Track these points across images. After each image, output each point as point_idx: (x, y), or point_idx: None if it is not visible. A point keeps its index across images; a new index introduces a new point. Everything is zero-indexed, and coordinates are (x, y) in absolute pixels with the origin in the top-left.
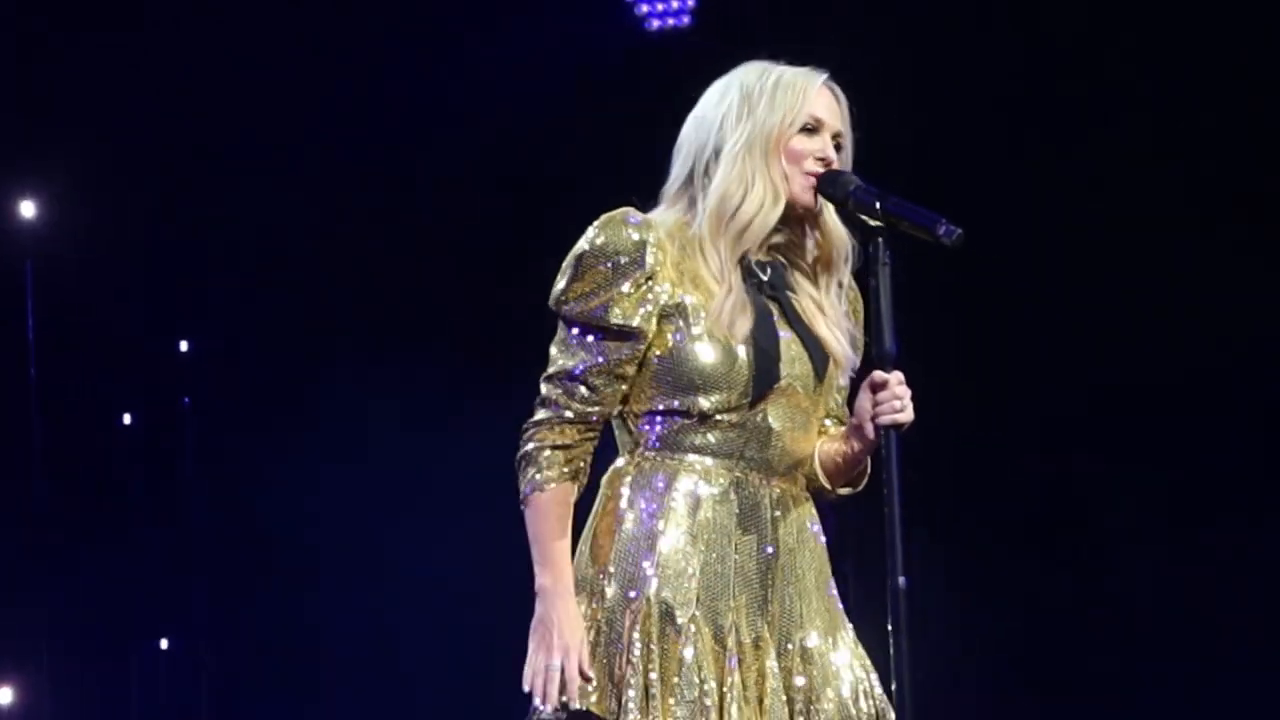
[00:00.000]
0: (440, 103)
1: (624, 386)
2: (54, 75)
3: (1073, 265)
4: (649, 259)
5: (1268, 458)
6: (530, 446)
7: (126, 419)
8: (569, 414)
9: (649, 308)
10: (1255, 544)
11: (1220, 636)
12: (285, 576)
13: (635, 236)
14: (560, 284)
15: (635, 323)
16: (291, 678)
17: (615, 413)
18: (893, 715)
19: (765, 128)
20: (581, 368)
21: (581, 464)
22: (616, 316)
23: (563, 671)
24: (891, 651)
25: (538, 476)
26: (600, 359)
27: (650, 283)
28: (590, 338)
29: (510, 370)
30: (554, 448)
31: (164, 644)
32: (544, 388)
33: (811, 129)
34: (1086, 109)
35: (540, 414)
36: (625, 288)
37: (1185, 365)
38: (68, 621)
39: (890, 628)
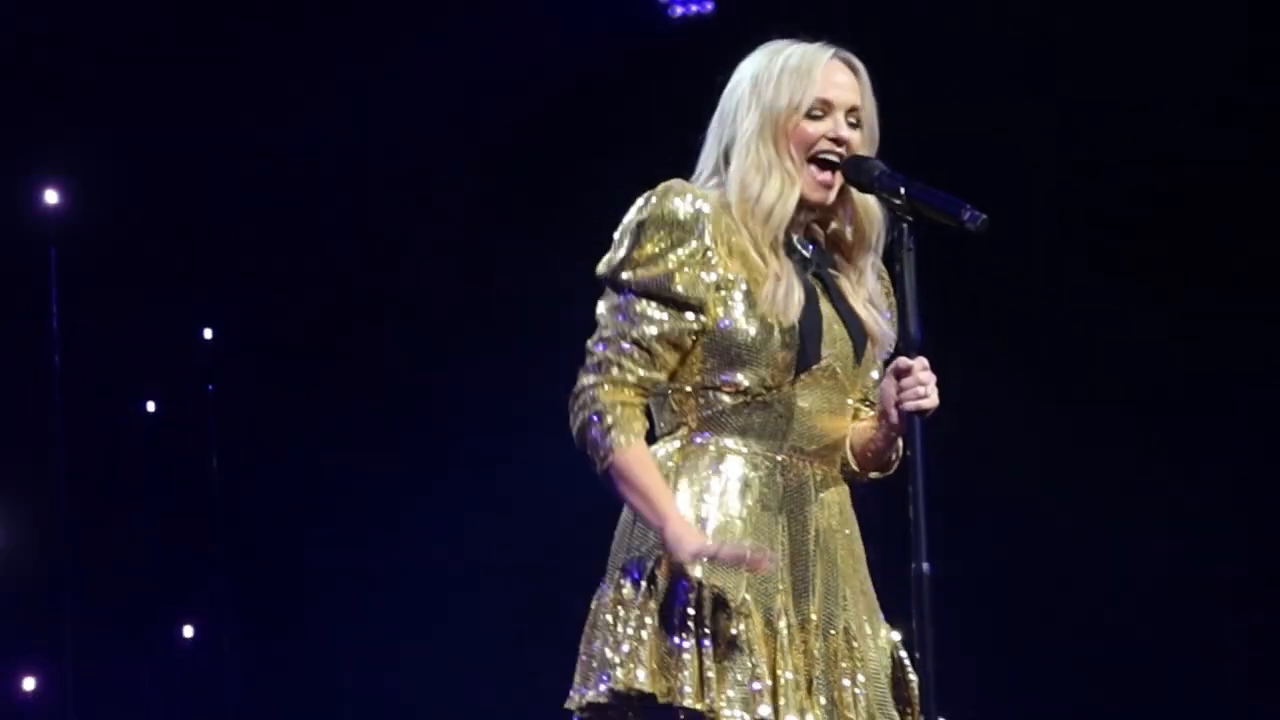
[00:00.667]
0: (460, 91)
1: (678, 357)
2: (78, 64)
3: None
4: (707, 229)
5: None
6: (599, 407)
7: (150, 406)
8: (631, 378)
9: (710, 278)
10: None
11: None
12: (308, 565)
13: (693, 206)
14: (620, 253)
15: (698, 292)
16: (314, 665)
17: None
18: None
19: (773, 114)
20: (645, 335)
21: (645, 426)
22: (679, 285)
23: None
24: (915, 636)
25: (620, 437)
26: (664, 328)
27: (708, 254)
28: (653, 306)
29: (542, 356)
30: (624, 405)
31: (188, 632)
32: (599, 351)
33: (820, 114)
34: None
35: (594, 378)
36: (685, 255)
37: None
38: (90, 610)
39: (914, 613)
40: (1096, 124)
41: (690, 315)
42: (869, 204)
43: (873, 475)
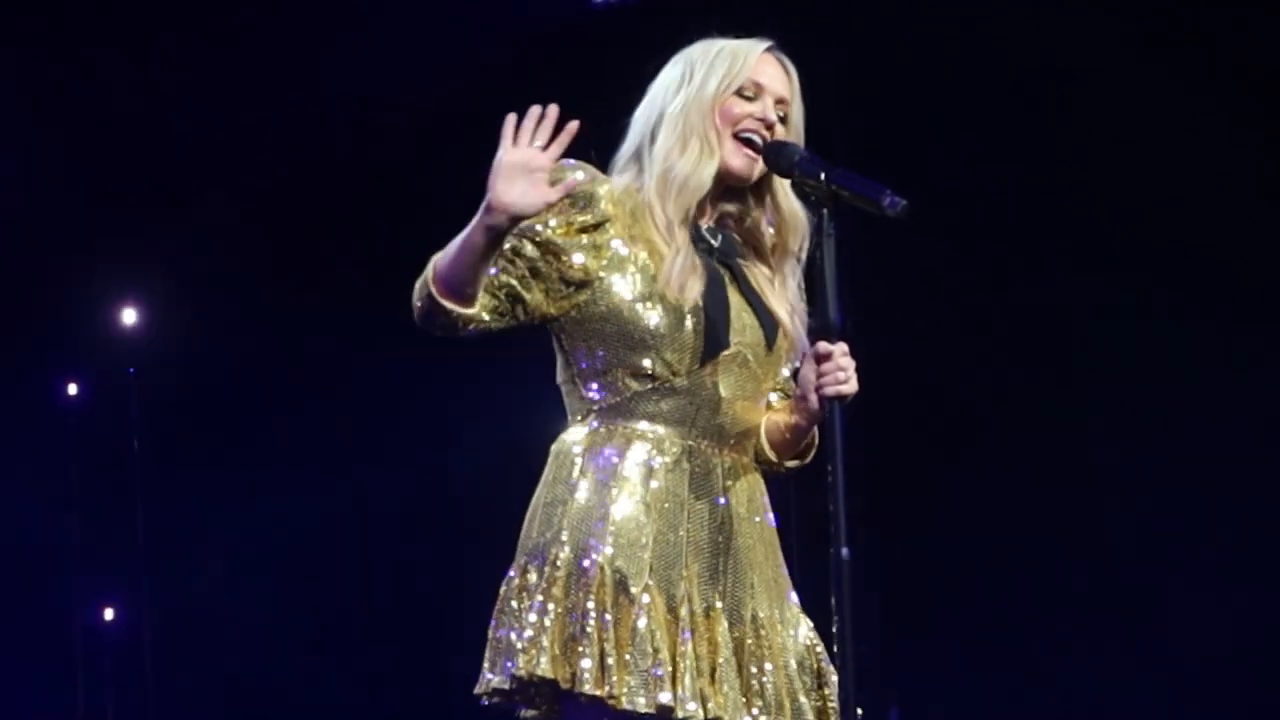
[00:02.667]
0: (376, 78)
1: (541, 289)
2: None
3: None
4: (603, 206)
5: None
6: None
7: (70, 389)
8: None
9: (596, 239)
10: None
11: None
12: (231, 550)
13: (594, 182)
14: None
15: (580, 247)
16: (234, 651)
17: (562, 380)
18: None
19: (703, 91)
20: (510, 247)
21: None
22: (558, 236)
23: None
24: (835, 620)
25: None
26: (529, 255)
27: (605, 225)
28: (526, 240)
29: (484, 353)
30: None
31: (108, 615)
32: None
33: (750, 94)
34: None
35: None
36: (576, 219)
37: None
38: (8, 595)
39: (834, 597)
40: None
41: (567, 262)
42: (794, 209)
43: (790, 464)
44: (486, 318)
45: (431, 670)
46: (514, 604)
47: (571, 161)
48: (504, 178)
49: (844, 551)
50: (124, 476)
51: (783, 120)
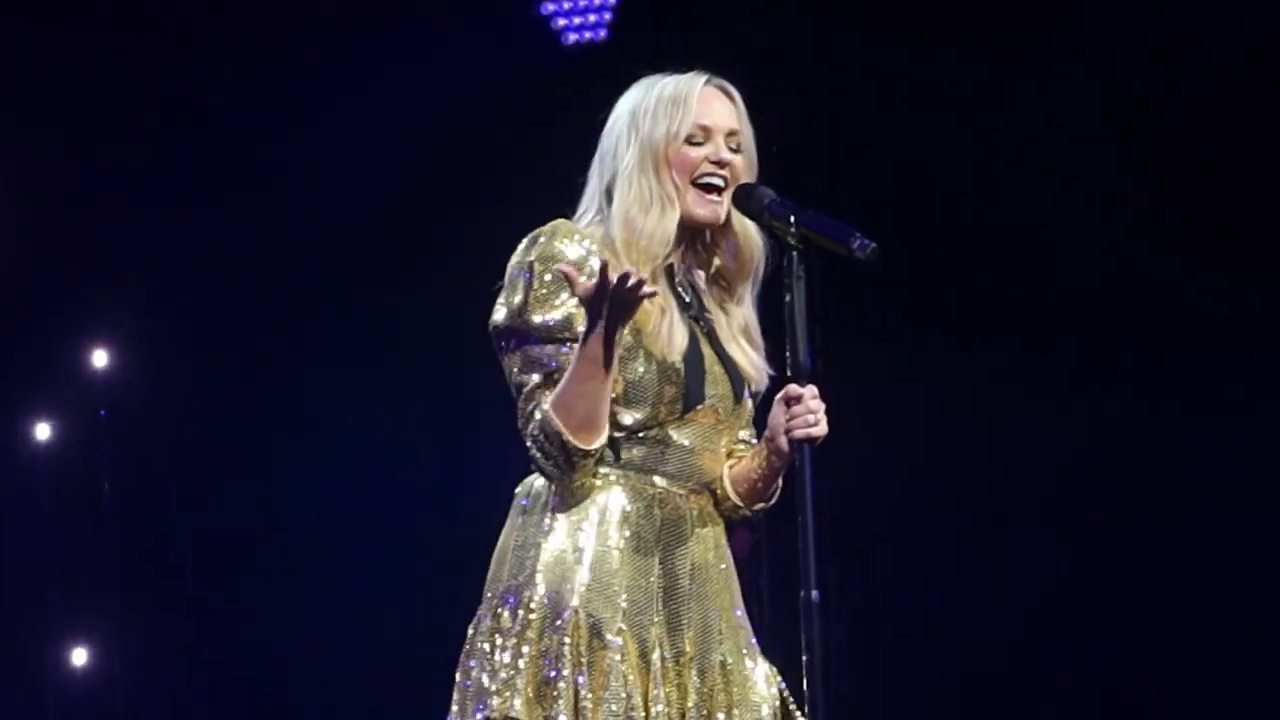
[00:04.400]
0: (352, 119)
1: None
2: None
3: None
4: (595, 264)
5: None
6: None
7: (42, 432)
8: None
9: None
10: None
11: None
12: (202, 590)
13: (582, 248)
14: (516, 299)
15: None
16: (208, 692)
17: None
18: None
19: (652, 144)
20: (562, 368)
21: None
22: (580, 326)
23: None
24: (804, 663)
25: (541, 423)
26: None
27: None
28: (556, 346)
29: (437, 378)
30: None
31: (81, 657)
32: (529, 407)
33: (700, 140)
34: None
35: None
36: (576, 299)
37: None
38: None
39: (803, 640)
40: None
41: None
42: (749, 232)
43: (757, 508)
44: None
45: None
46: (484, 646)
47: (569, 225)
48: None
49: (814, 594)
50: (96, 518)
51: (736, 150)
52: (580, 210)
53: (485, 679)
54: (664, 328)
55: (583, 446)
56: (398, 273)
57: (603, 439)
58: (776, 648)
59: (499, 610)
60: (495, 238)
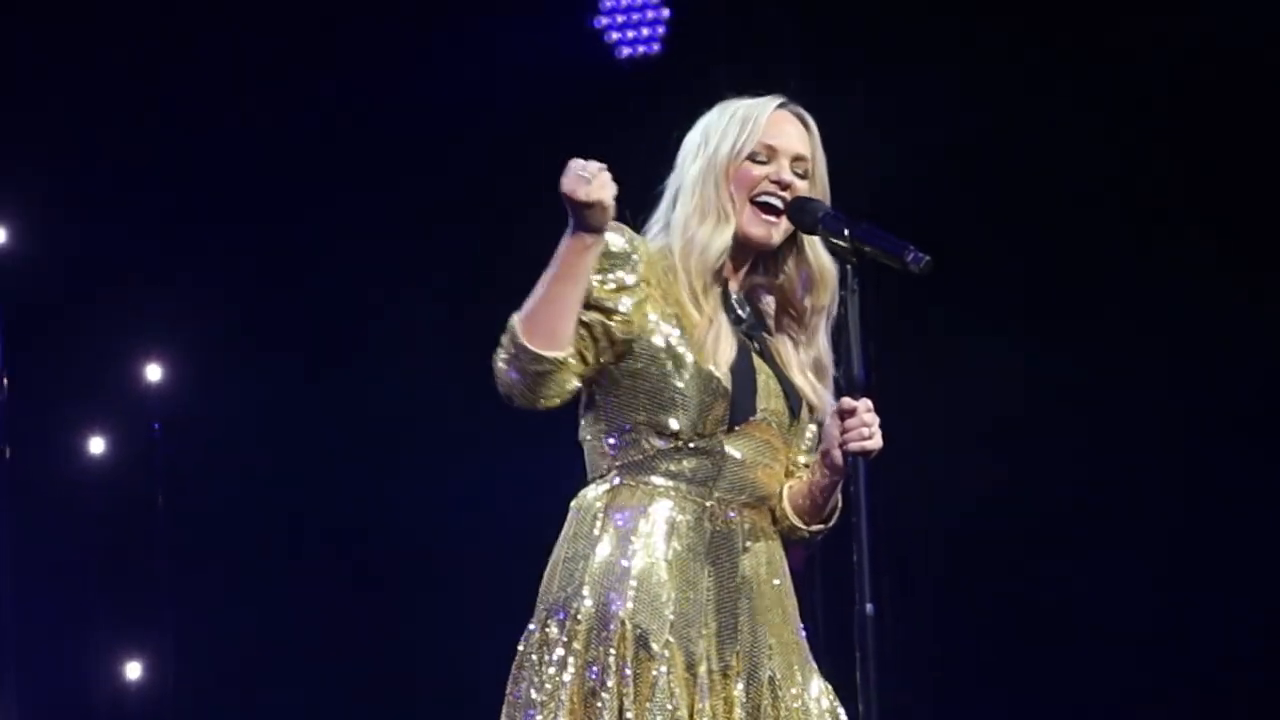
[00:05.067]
0: (405, 129)
1: (594, 347)
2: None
3: None
4: (640, 267)
5: None
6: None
7: (96, 446)
8: None
9: (639, 305)
10: None
11: None
12: (257, 603)
13: (629, 244)
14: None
15: (626, 308)
16: (260, 706)
17: (586, 436)
18: None
19: (717, 159)
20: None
21: None
22: (604, 297)
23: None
24: (859, 679)
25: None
26: (587, 316)
27: (641, 286)
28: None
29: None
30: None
31: (133, 672)
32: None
33: (763, 158)
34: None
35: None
36: (616, 280)
37: None
38: (35, 652)
39: (858, 655)
40: None
41: (617, 319)
42: (825, 265)
43: (815, 529)
44: (574, 362)
45: None
46: (534, 658)
47: (620, 226)
48: (579, 179)
49: (869, 608)
50: (149, 532)
51: (803, 176)
52: (651, 221)
53: (533, 692)
54: (709, 338)
55: (536, 350)
56: (446, 281)
57: (563, 351)
58: (830, 662)
59: (547, 622)
60: (547, 250)
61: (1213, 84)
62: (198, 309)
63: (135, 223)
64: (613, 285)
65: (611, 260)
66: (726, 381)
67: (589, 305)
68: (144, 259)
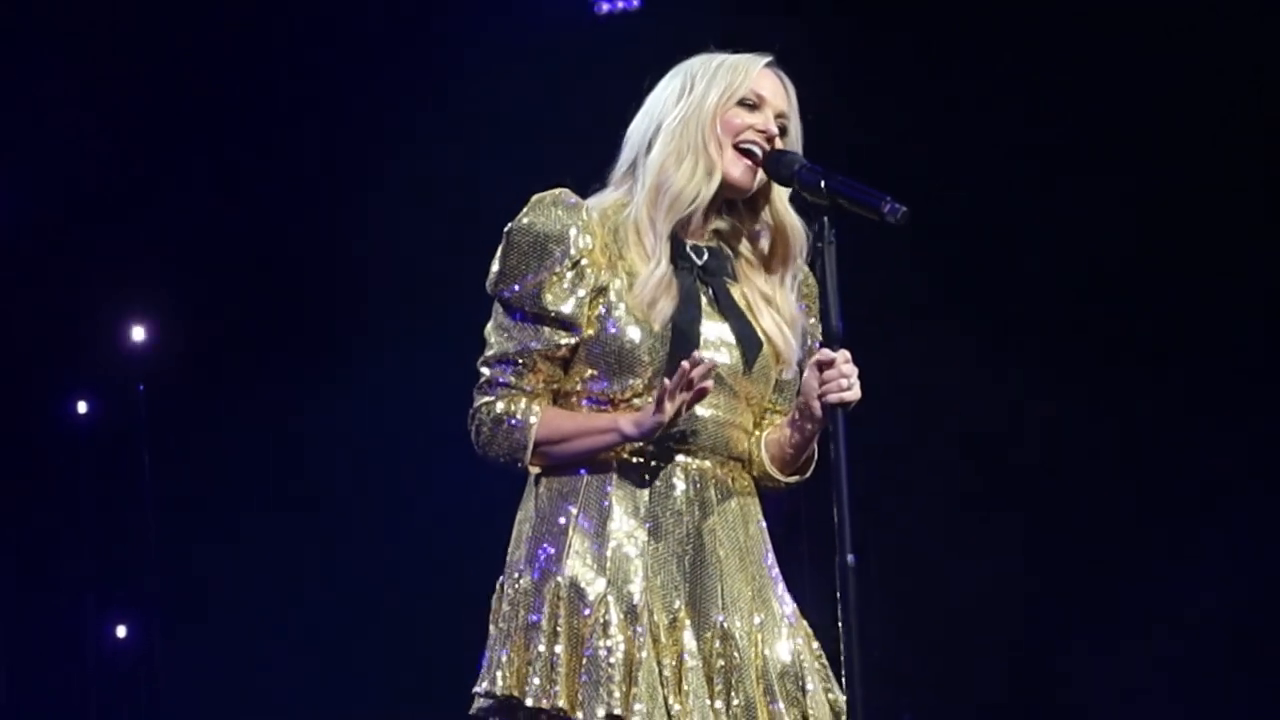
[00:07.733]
0: (385, 89)
1: (560, 367)
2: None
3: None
4: (578, 243)
5: None
6: (494, 414)
7: (81, 407)
8: (518, 392)
9: (581, 294)
10: None
11: None
12: (241, 563)
13: (563, 219)
14: (495, 267)
15: (568, 310)
16: (248, 666)
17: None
18: (838, 695)
19: (704, 102)
20: (526, 349)
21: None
22: (550, 302)
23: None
24: (840, 628)
25: (527, 417)
26: (538, 343)
27: (578, 269)
28: (528, 321)
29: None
30: (515, 402)
31: (121, 632)
32: (486, 371)
33: (752, 105)
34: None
35: (486, 398)
36: (555, 271)
37: None
38: (23, 612)
39: (839, 604)
40: None
41: (563, 332)
42: (792, 220)
43: (790, 479)
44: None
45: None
46: (490, 623)
47: (562, 195)
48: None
49: (849, 559)
50: (135, 492)
51: (782, 133)
52: (615, 166)
53: (488, 653)
54: (647, 288)
55: (525, 464)
56: (425, 240)
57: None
58: (821, 612)
59: (503, 586)
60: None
61: None
62: (183, 272)
63: (122, 186)
64: (560, 282)
65: (549, 244)
66: (664, 336)
67: (553, 322)
68: (129, 222)
